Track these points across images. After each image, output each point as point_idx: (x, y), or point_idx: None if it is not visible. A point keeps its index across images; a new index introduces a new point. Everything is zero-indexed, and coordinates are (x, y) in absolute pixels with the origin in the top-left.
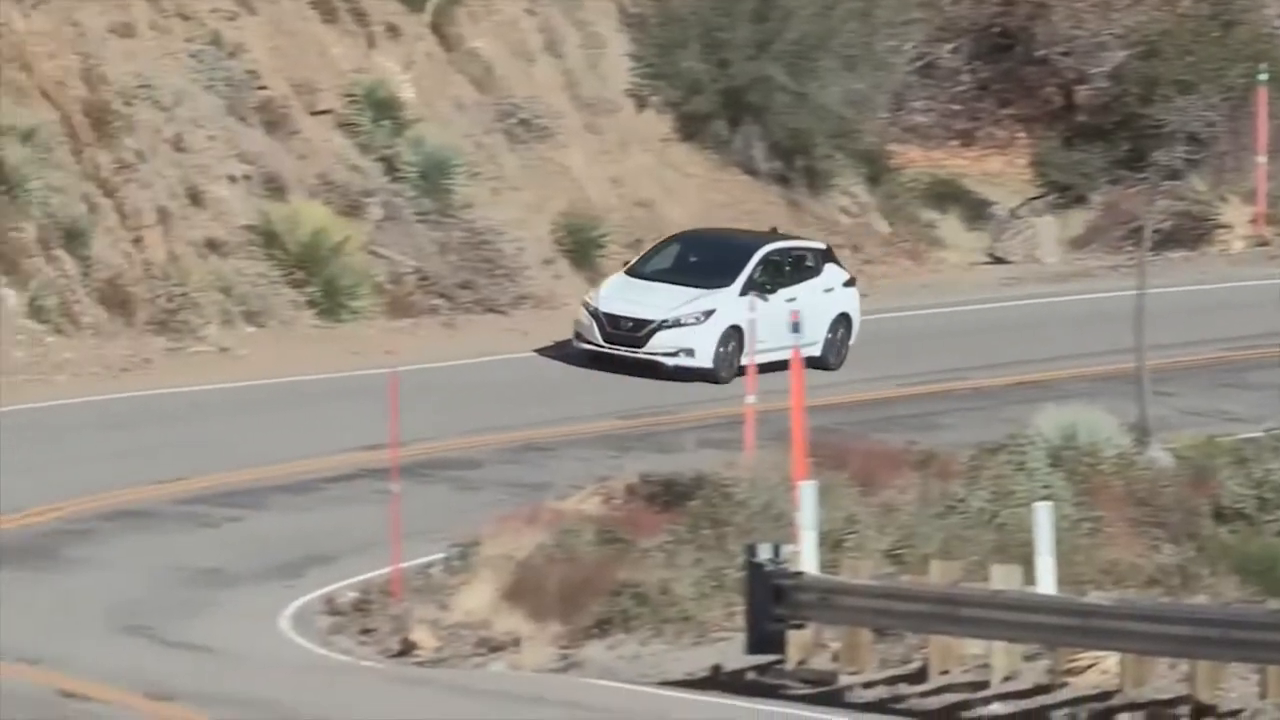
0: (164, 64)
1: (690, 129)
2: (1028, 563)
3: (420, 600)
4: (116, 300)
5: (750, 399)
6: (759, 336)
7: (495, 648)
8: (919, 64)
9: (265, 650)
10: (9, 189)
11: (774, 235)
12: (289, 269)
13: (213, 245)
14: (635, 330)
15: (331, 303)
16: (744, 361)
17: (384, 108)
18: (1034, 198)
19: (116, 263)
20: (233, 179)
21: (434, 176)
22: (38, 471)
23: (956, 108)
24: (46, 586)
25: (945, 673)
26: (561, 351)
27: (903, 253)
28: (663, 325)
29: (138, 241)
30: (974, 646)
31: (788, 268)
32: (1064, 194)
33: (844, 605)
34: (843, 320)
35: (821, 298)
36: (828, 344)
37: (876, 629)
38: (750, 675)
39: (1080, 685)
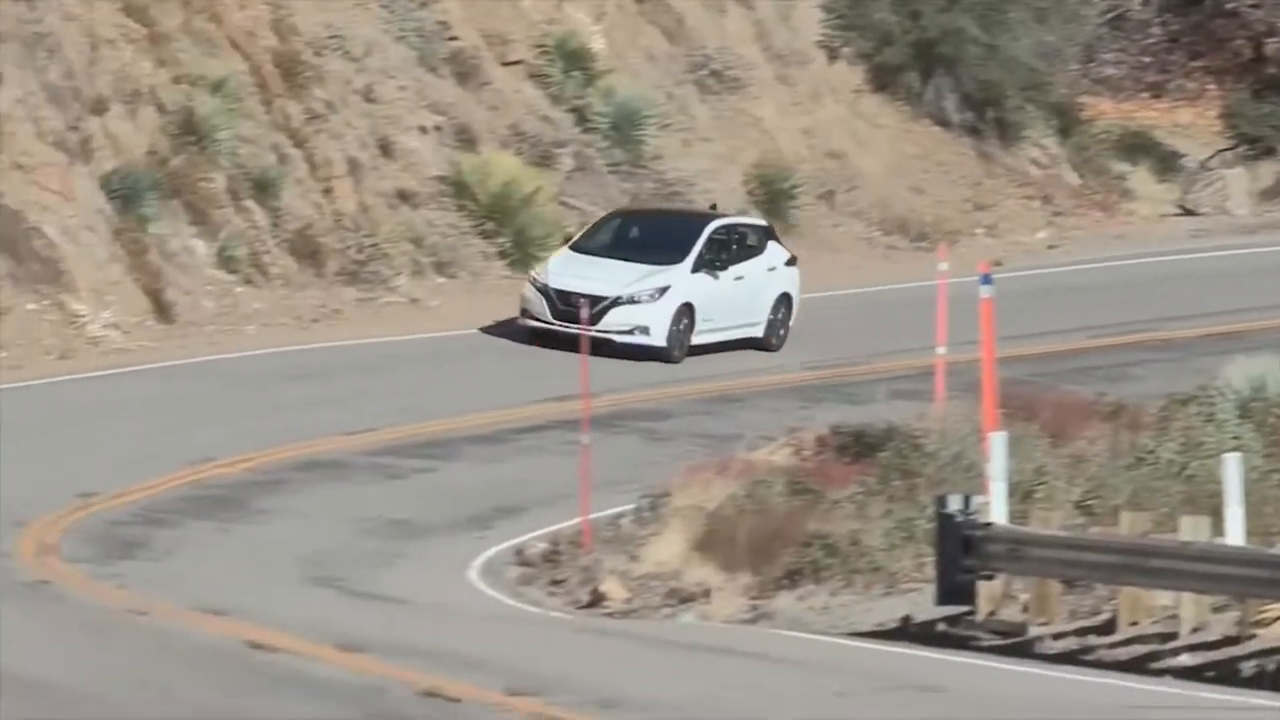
0: (354, 15)
1: (882, 80)
2: (1217, 514)
3: (610, 551)
4: (306, 251)
5: (941, 350)
6: (707, 315)
7: (685, 599)
8: (1109, 16)
9: (455, 601)
10: (199, 140)
11: (715, 213)
12: (479, 220)
13: (403, 196)
14: (589, 307)
15: (522, 253)
16: (694, 340)
17: (575, 59)
18: (1224, 150)
19: (306, 213)
20: (423, 130)
21: (625, 127)
22: (228, 422)
23: (1147, 60)
24: (236, 537)
25: (1134, 624)
26: None
27: (1093, 204)
28: (616, 302)
29: (328, 192)
30: (1163, 598)
31: (734, 245)
32: (1254, 146)
33: (1033, 556)
34: (784, 300)
35: (766, 277)
36: (770, 325)
37: (1066, 580)
38: (940, 626)
39: (1269, 637)
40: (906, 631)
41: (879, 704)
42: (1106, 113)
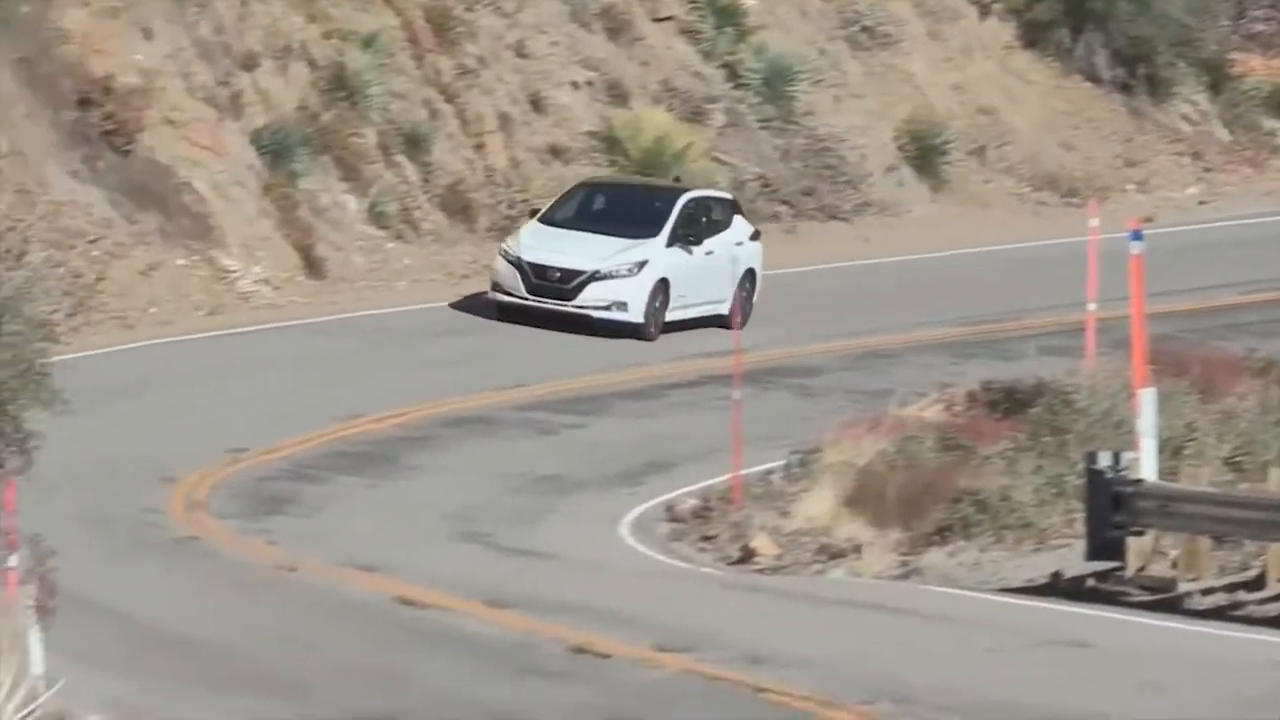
0: None
1: (1032, 36)
2: None
3: (760, 507)
4: (457, 206)
5: (1091, 306)
6: (681, 291)
7: (835, 555)
8: None
9: (605, 557)
10: (350, 95)
11: (684, 185)
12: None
13: (555, 151)
14: (564, 281)
15: None
16: (667, 317)
17: (726, 15)
18: None
19: (457, 169)
20: (575, 85)
21: (776, 83)
22: (378, 378)
23: None
24: (385, 493)
25: None
26: (903, 259)
27: (1243, 161)
28: (594, 277)
29: (479, 148)
30: None
31: (703, 219)
32: None
33: (1183, 512)
34: (749, 277)
35: (734, 252)
36: (739, 301)
37: (1215, 536)
38: (1090, 582)
39: None
40: (1056, 587)
41: (1028, 660)
42: (1256, 69)
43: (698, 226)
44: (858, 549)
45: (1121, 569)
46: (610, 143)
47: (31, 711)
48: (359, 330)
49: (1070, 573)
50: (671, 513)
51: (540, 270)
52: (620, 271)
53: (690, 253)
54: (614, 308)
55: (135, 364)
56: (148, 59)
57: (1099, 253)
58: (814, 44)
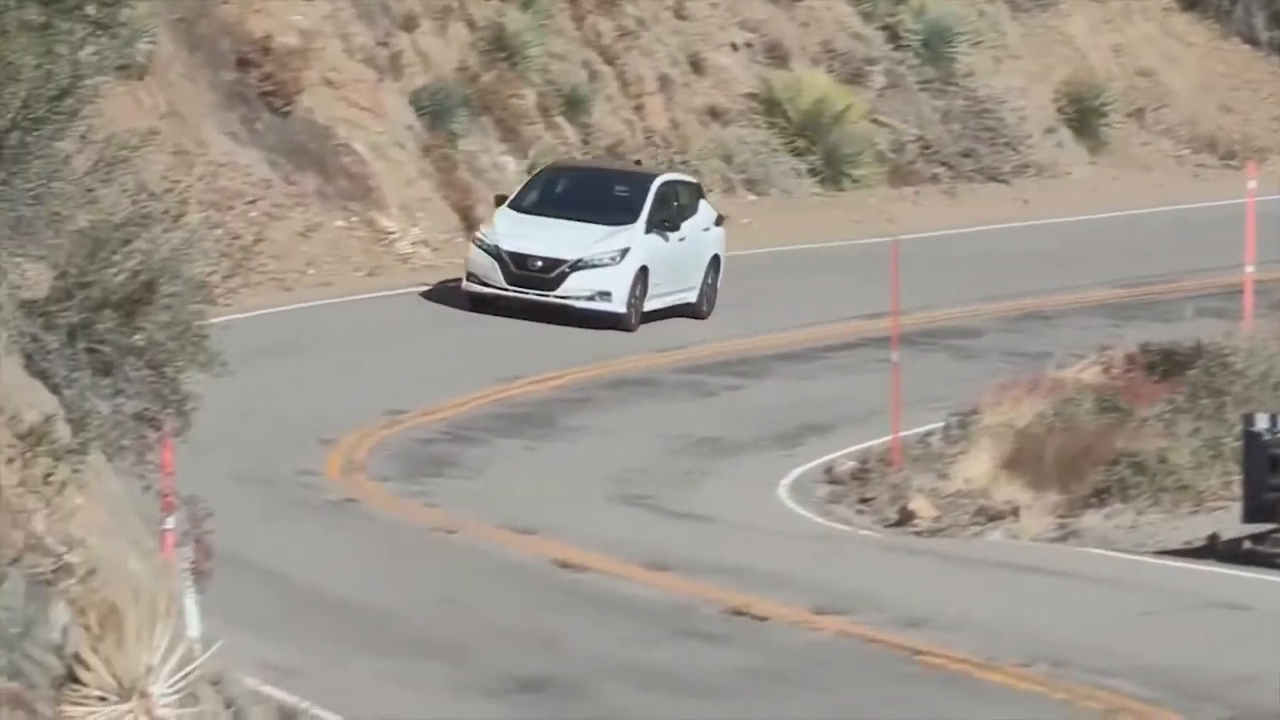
0: None
1: None
2: None
3: (919, 469)
4: None
5: (1249, 268)
6: (657, 280)
7: (993, 517)
8: None
9: (763, 520)
10: (509, 56)
11: (655, 169)
12: (790, 137)
13: (714, 113)
14: (546, 271)
15: (833, 171)
16: (646, 306)
17: None
18: None
19: (617, 130)
20: (734, 47)
21: (936, 45)
22: (538, 339)
23: None
24: (545, 455)
25: None
26: (1061, 221)
27: None
28: (577, 266)
29: (639, 109)
30: None
31: (675, 203)
32: None
33: None
34: (715, 263)
35: (702, 237)
36: (704, 289)
37: None
38: (1246, 544)
39: None
40: (1213, 550)
41: (1184, 623)
42: None
43: (670, 212)
44: (1015, 511)
45: (1278, 531)
46: (770, 105)
47: (188, 674)
48: None
49: (1227, 535)
50: (830, 475)
51: (521, 260)
52: (603, 260)
53: (666, 239)
54: (597, 298)
55: (293, 325)
56: (306, 19)
57: (1257, 214)
58: (973, 5)
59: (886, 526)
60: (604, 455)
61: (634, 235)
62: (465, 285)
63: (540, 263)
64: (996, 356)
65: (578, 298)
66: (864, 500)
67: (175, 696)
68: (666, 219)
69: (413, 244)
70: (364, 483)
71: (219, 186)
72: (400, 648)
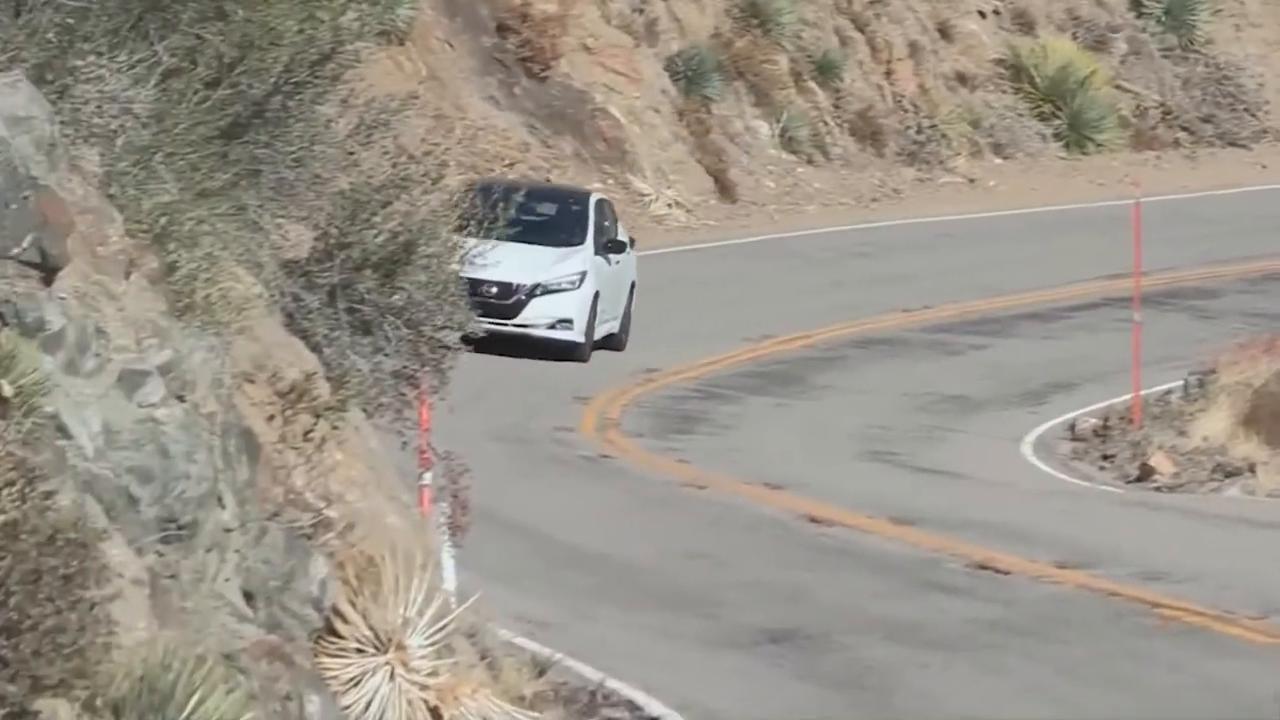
0: None
1: None
2: None
3: (1158, 427)
4: (866, 132)
5: None
6: (603, 306)
7: (1231, 473)
8: None
9: (1007, 476)
10: (762, 23)
11: (565, 186)
12: (1036, 102)
13: (961, 79)
14: (502, 297)
15: (1077, 135)
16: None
17: None
18: None
19: (867, 95)
20: (982, 14)
21: (1178, 12)
22: (787, 300)
23: None
24: (794, 413)
25: None
26: None
27: None
28: (534, 291)
29: (888, 75)
30: None
31: (605, 223)
32: None
33: None
34: (631, 290)
35: (625, 260)
36: (625, 318)
37: None
38: None
39: None
40: None
41: None
42: None
43: (608, 232)
44: (1253, 468)
45: None
46: (1016, 70)
47: (444, 627)
48: (769, 252)
49: None
50: (1072, 432)
51: (474, 286)
52: (562, 284)
53: (609, 263)
54: (559, 325)
55: None
56: None
57: None
58: None
59: (1127, 483)
60: (851, 413)
61: (586, 257)
62: None
63: (495, 288)
64: (1235, 317)
65: (537, 325)
66: (1105, 457)
67: (431, 649)
68: (609, 240)
69: (667, 206)
70: (617, 439)
71: (478, 150)
72: (651, 601)
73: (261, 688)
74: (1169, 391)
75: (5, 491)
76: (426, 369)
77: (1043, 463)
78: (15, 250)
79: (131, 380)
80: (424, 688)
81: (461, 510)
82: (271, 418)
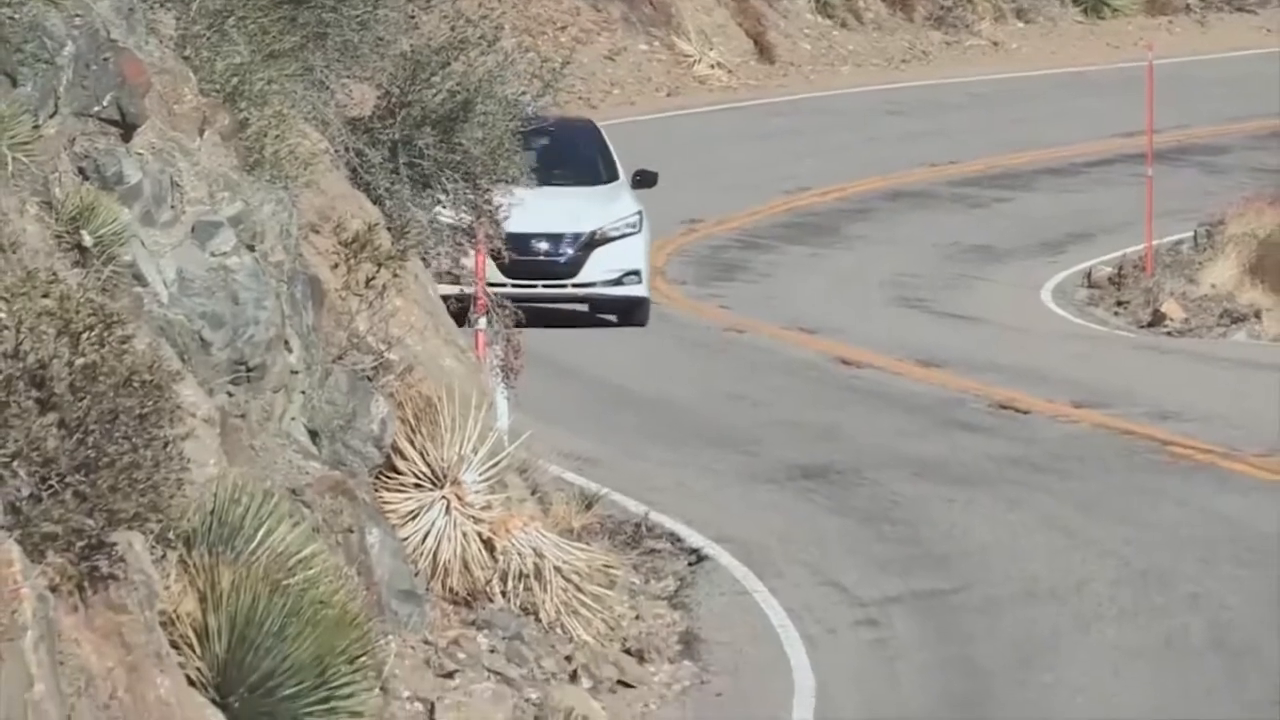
0: None
1: None
2: None
3: (1170, 275)
4: None
5: None
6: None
7: (1237, 319)
8: None
9: (1028, 321)
10: None
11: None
12: None
13: None
14: (553, 253)
15: (1094, 1)
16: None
17: None
18: None
19: None
20: None
21: None
22: (822, 155)
23: None
24: (828, 261)
25: None
26: None
27: None
28: (593, 240)
29: None
30: None
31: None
32: None
33: None
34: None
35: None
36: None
37: None
38: None
39: None
40: None
41: None
42: None
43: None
44: (1258, 314)
45: None
46: None
47: (497, 463)
48: (805, 110)
49: None
50: (1089, 280)
51: (522, 242)
52: (621, 229)
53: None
54: (626, 279)
55: None
56: None
57: None
58: None
59: (1140, 327)
60: (882, 261)
61: (632, 194)
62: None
63: (545, 242)
64: (1242, 172)
65: (604, 282)
66: (1119, 303)
67: (485, 484)
68: (639, 172)
69: (710, 67)
70: (663, 286)
71: (531, 14)
72: (693, 439)
73: (325, 521)
74: (1179, 242)
75: (85, 336)
76: (482, 220)
77: (1061, 308)
78: (96, 108)
79: (204, 231)
80: (478, 521)
81: (514, 353)
82: (336, 266)
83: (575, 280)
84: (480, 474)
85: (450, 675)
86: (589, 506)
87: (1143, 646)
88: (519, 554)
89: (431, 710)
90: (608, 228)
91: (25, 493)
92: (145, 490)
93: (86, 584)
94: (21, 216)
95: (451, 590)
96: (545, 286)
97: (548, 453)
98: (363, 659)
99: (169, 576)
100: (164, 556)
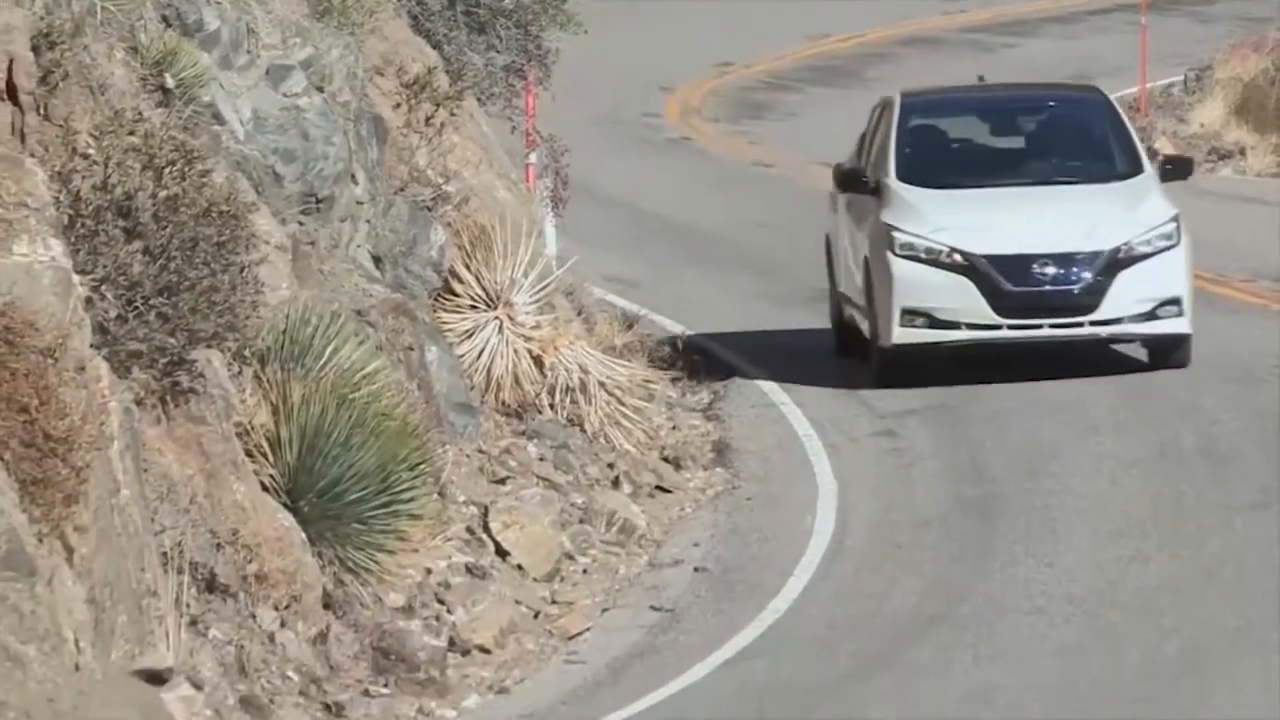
0: None
1: None
2: None
3: (1162, 115)
4: None
5: None
6: None
7: (1224, 155)
8: None
9: None
10: None
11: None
12: None
13: None
14: (1066, 279)
15: None
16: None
17: None
18: None
19: None
20: None
21: None
22: (843, 1)
23: None
24: (850, 101)
25: None
26: None
27: None
28: (1117, 260)
29: None
30: None
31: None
32: None
33: None
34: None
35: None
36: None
37: None
38: None
39: None
40: None
41: None
42: None
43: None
44: (1243, 151)
45: None
46: None
47: (545, 286)
48: None
49: None
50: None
51: (1022, 268)
52: (1155, 242)
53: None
54: (1162, 311)
55: None
56: None
57: None
58: None
59: None
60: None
61: (1162, 192)
62: (894, 333)
63: (1052, 265)
64: (1229, 21)
65: (1131, 318)
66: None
67: (534, 305)
68: (1169, 159)
69: None
70: (697, 124)
71: None
72: (724, 264)
73: (387, 339)
74: (1171, 85)
75: (167, 170)
76: (533, 63)
77: None
78: None
79: (278, 73)
80: (528, 339)
81: (562, 185)
82: (398, 106)
83: (1095, 316)
84: (530, 296)
85: (502, 481)
86: (630, 326)
87: (1137, 456)
88: (566, 370)
89: (485, 513)
90: (1136, 241)
91: (113, 314)
92: (223, 311)
93: (169, 398)
94: (110, 60)
95: (503, 403)
96: (1052, 327)
97: (592, 276)
98: (422, 466)
99: (244, 391)
100: (240, 372)
